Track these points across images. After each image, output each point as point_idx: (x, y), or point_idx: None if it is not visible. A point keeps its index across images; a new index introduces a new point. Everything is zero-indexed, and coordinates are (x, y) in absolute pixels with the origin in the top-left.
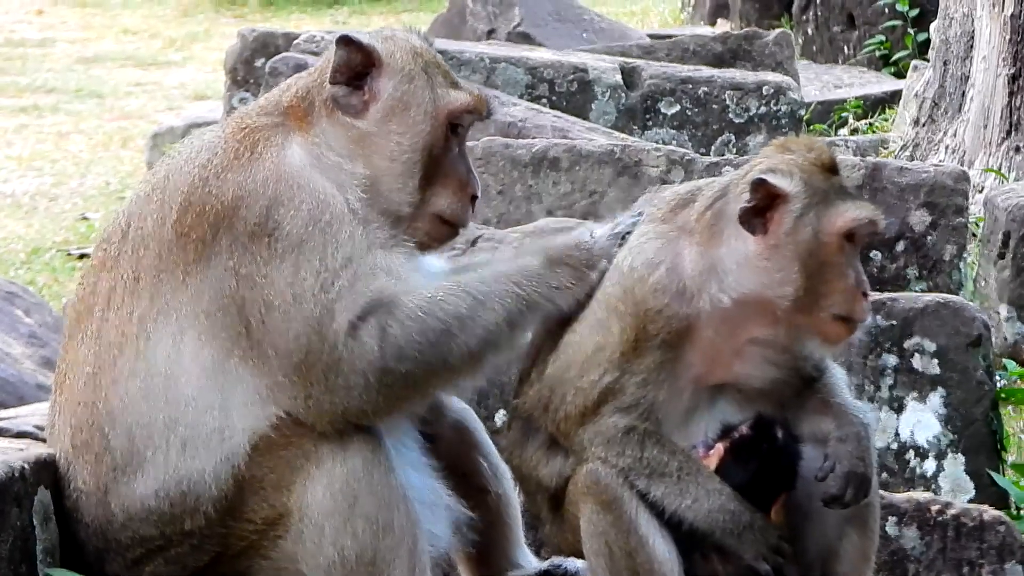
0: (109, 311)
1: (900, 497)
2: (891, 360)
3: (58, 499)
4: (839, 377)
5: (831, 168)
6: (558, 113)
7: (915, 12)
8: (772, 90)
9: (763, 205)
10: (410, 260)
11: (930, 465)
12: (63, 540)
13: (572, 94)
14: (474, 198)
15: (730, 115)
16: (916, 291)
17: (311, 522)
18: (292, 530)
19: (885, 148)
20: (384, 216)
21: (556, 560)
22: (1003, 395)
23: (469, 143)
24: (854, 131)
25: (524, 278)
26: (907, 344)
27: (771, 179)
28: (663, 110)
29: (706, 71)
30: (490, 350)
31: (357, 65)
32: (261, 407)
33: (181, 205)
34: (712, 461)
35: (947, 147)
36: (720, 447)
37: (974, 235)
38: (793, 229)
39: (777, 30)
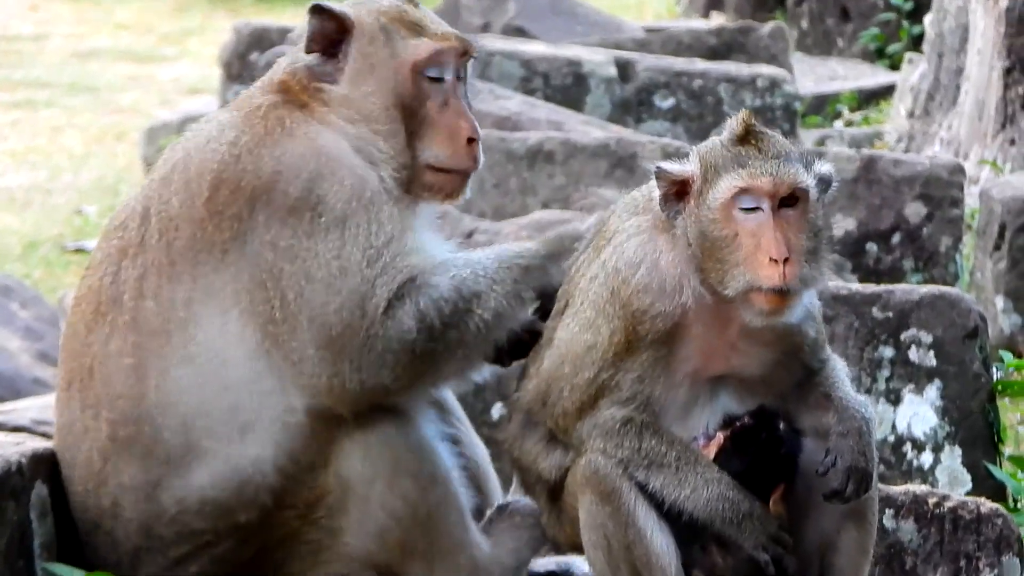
0: (144, 299)
1: (897, 490)
2: (888, 352)
3: (55, 494)
4: (840, 370)
5: (740, 138)
6: (553, 106)
7: (910, 5)
8: (767, 83)
9: (675, 191)
10: (434, 240)
11: (927, 458)
12: (60, 535)
13: (567, 87)
14: (471, 140)
15: (725, 108)
16: (912, 283)
17: (355, 493)
18: (334, 507)
19: (880, 140)
20: (395, 177)
21: (563, 560)
22: (1000, 387)
23: None
24: (849, 123)
25: (526, 252)
26: (904, 336)
27: (665, 166)
28: (658, 103)
29: (701, 64)
30: (498, 324)
31: (332, 32)
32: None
33: (212, 183)
34: (712, 450)
35: (942, 139)
36: (720, 436)
37: (969, 227)
38: (692, 209)
39: (772, 23)
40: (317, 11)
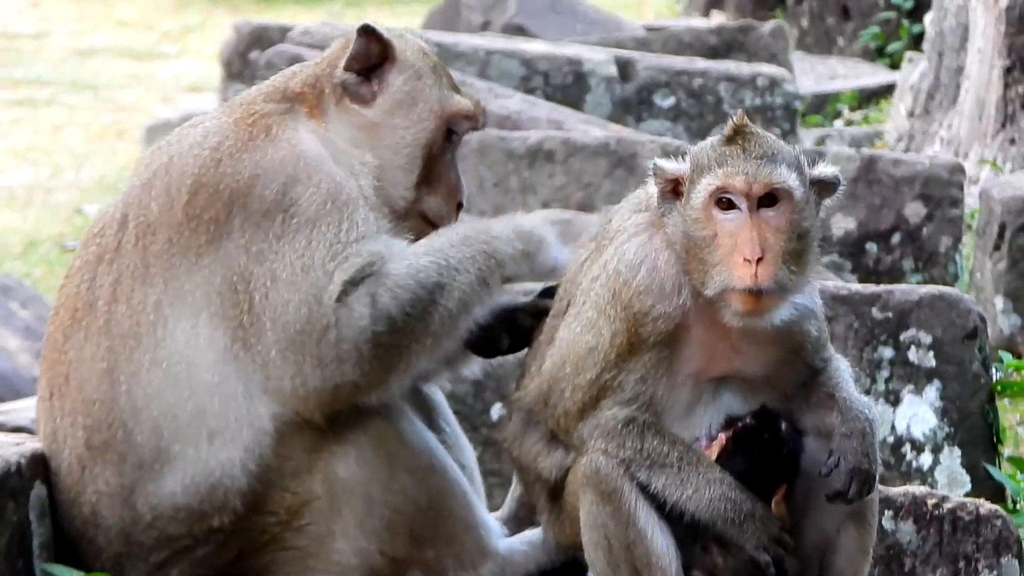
0: (117, 303)
1: (896, 491)
2: (887, 352)
3: (51, 497)
4: (844, 370)
5: (728, 138)
6: (553, 105)
7: (910, 4)
8: (767, 82)
9: (670, 189)
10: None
11: (926, 458)
12: (58, 536)
13: (567, 86)
14: (459, 205)
15: (725, 107)
16: (912, 283)
17: (351, 495)
18: (322, 513)
19: (880, 139)
20: (383, 207)
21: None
22: (999, 388)
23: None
24: (849, 123)
25: (491, 237)
26: (903, 336)
27: (661, 163)
28: (658, 102)
29: (701, 63)
30: (464, 312)
31: (374, 56)
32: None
33: (191, 187)
34: (714, 451)
35: (942, 139)
36: (722, 436)
37: (969, 227)
38: (680, 208)
39: (772, 22)
40: (366, 32)
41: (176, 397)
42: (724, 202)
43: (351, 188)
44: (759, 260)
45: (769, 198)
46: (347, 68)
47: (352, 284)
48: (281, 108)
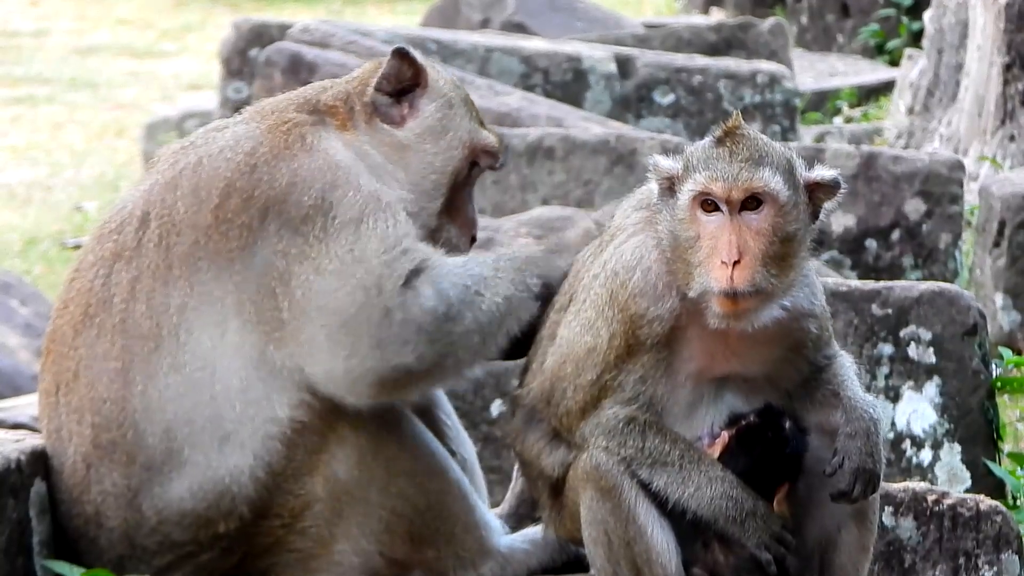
0: (135, 302)
1: (896, 487)
2: (887, 349)
3: (52, 495)
4: (848, 368)
5: (719, 140)
6: (553, 102)
7: (909, 1)
8: (766, 79)
9: (667, 187)
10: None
11: (926, 455)
12: (58, 533)
13: (566, 83)
14: (473, 239)
15: (725, 104)
16: (911, 280)
17: (351, 497)
18: (323, 515)
19: (879, 136)
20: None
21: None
22: (999, 384)
23: None
24: (848, 120)
25: (524, 248)
26: (903, 333)
27: (659, 160)
28: (658, 99)
29: (700, 60)
30: (510, 311)
31: (405, 79)
32: (296, 392)
33: (223, 190)
34: (717, 449)
35: (941, 136)
36: (725, 435)
37: (969, 224)
38: (671, 207)
39: (771, 19)
40: (400, 55)
41: (195, 401)
42: (708, 204)
43: (389, 195)
44: (736, 263)
45: (752, 201)
46: (378, 88)
47: (414, 273)
48: (312, 119)
